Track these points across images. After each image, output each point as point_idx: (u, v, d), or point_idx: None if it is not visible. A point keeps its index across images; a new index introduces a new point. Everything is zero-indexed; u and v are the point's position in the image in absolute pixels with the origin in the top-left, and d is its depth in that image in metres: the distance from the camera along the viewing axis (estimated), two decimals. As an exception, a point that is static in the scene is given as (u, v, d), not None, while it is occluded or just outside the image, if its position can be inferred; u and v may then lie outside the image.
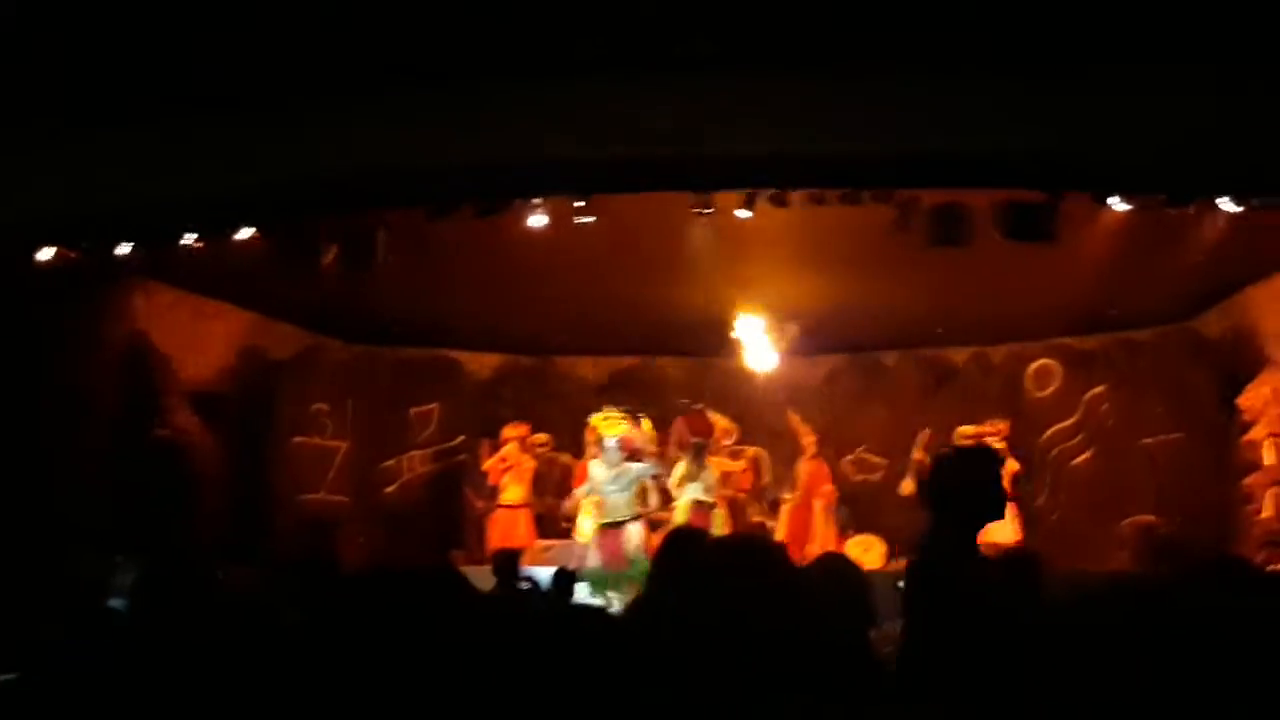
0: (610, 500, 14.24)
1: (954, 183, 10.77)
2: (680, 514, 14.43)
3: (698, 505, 14.67)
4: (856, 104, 9.61)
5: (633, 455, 14.69)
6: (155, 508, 12.81)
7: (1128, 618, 1.86)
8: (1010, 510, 15.52)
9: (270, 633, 3.39)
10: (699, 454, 15.06)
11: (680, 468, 14.95)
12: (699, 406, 16.42)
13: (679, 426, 16.01)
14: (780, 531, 15.47)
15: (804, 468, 15.97)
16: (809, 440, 16.03)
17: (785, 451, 16.83)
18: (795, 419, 16.21)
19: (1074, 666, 1.82)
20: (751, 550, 2.71)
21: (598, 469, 14.47)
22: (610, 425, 14.80)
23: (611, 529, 14.11)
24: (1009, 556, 3.75)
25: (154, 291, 13.65)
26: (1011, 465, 15.77)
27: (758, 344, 15.90)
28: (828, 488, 15.90)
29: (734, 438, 16.28)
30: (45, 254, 11.39)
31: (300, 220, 11.70)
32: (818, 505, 15.76)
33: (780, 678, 2.39)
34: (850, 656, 2.82)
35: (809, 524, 15.67)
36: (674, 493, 14.90)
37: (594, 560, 13.90)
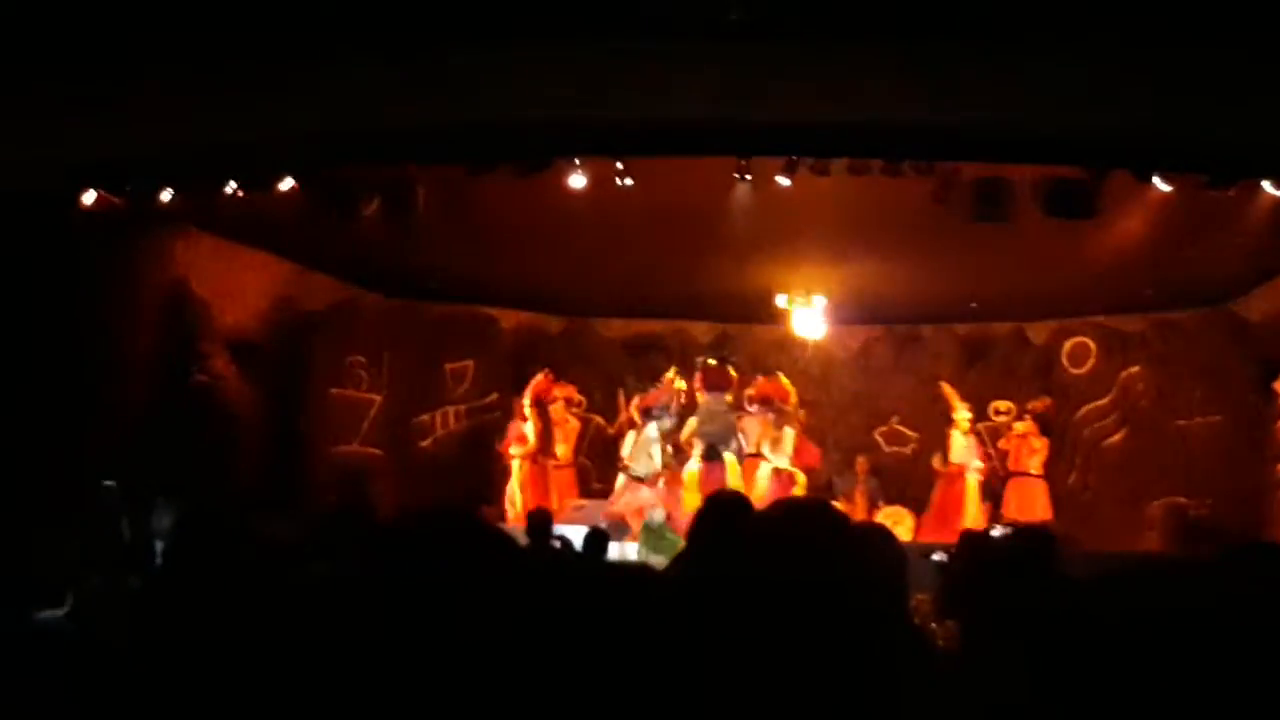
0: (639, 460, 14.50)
1: (996, 157, 10.73)
2: (762, 483, 14.59)
3: (777, 473, 14.90)
4: (899, 74, 9.56)
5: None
6: (193, 453, 12.90)
7: (1149, 601, 1.87)
8: (1041, 488, 15.53)
9: (300, 582, 3.42)
10: (780, 418, 15.23)
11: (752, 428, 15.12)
12: (719, 361, 16.38)
13: (697, 379, 16.00)
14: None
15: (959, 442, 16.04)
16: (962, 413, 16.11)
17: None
18: (948, 389, 16.24)
19: (1088, 648, 1.83)
20: (800, 513, 2.71)
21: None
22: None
23: (638, 483, 14.37)
24: (1023, 533, 3.73)
25: (194, 239, 13.71)
26: (1039, 442, 15.79)
27: (805, 314, 15.98)
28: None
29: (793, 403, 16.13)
30: (88, 198, 11.47)
31: (341, 172, 11.75)
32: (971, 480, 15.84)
33: (824, 644, 2.40)
34: (892, 626, 2.82)
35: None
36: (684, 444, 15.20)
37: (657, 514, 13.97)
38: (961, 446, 15.88)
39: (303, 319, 15.62)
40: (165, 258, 13.53)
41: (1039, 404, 16.09)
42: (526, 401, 15.97)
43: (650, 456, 14.92)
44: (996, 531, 9.90)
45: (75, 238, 11.69)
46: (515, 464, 15.74)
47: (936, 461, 16.24)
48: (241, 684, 2.66)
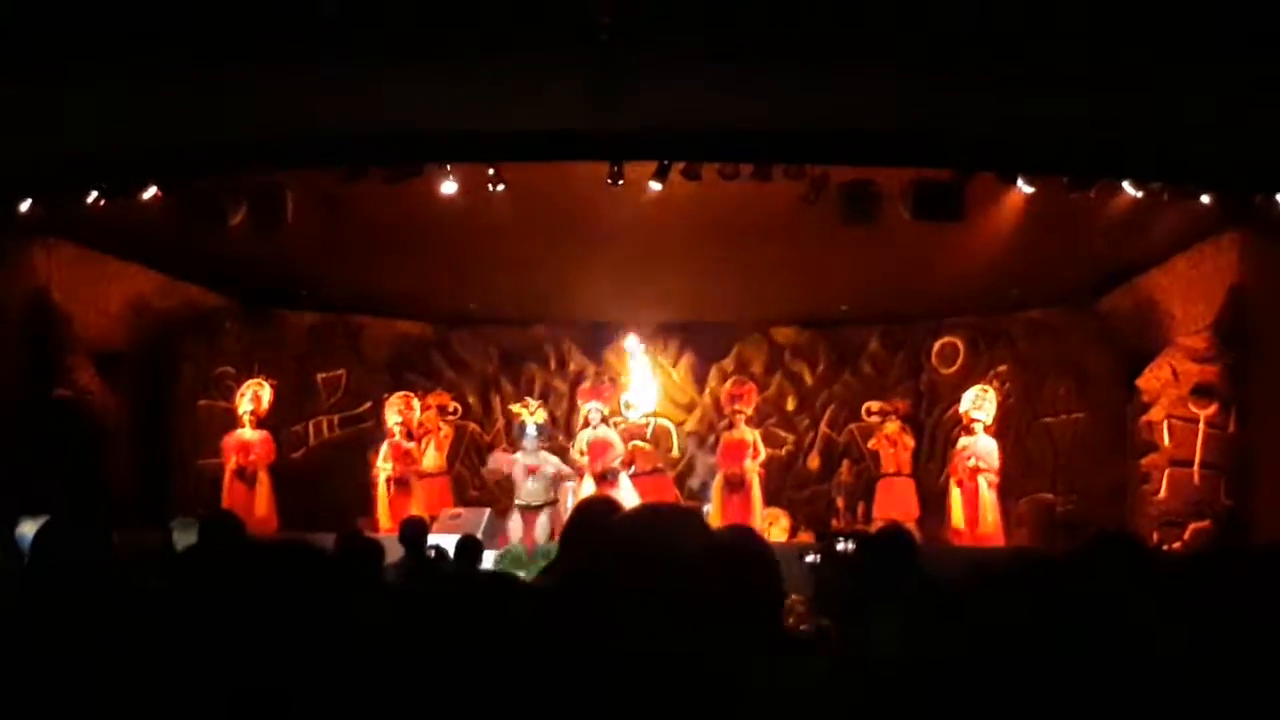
0: (527, 486, 14.38)
1: (863, 160, 10.87)
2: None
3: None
4: (769, 79, 9.64)
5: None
6: (58, 466, 12.63)
7: (1014, 592, 1.90)
8: (910, 487, 15.74)
9: (163, 596, 3.37)
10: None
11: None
12: (604, 377, 16.52)
13: (578, 395, 16.09)
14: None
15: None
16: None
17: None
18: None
19: (954, 640, 1.85)
20: (666, 519, 2.71)
21: (520, 458, 14.70)
22: (531, 414, 14.93)
23: (528, 512, 14.23)
24: (883, 530, 3.78)
25: (56, 248, 13.44)
26: (910, 441, 16.01)
27: (642, 362, 16.46)
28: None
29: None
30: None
31: (208, 180, 11.58)
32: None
33: (692, 647, 2.41)
34: (762, 627, 2.84)
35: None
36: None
37: (515, 536, 13.97)
38: None
39: (169, 329, 15.38)
40: (26, 268, 13.24)
41: (906, 404, 16.33)
42: (396, 422, 15.81)
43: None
44: (840, 545, 9.98)
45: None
46: (384, 476, 15.59)
47: (810, 461, 16.53)
48: (104, 696, 2.61)
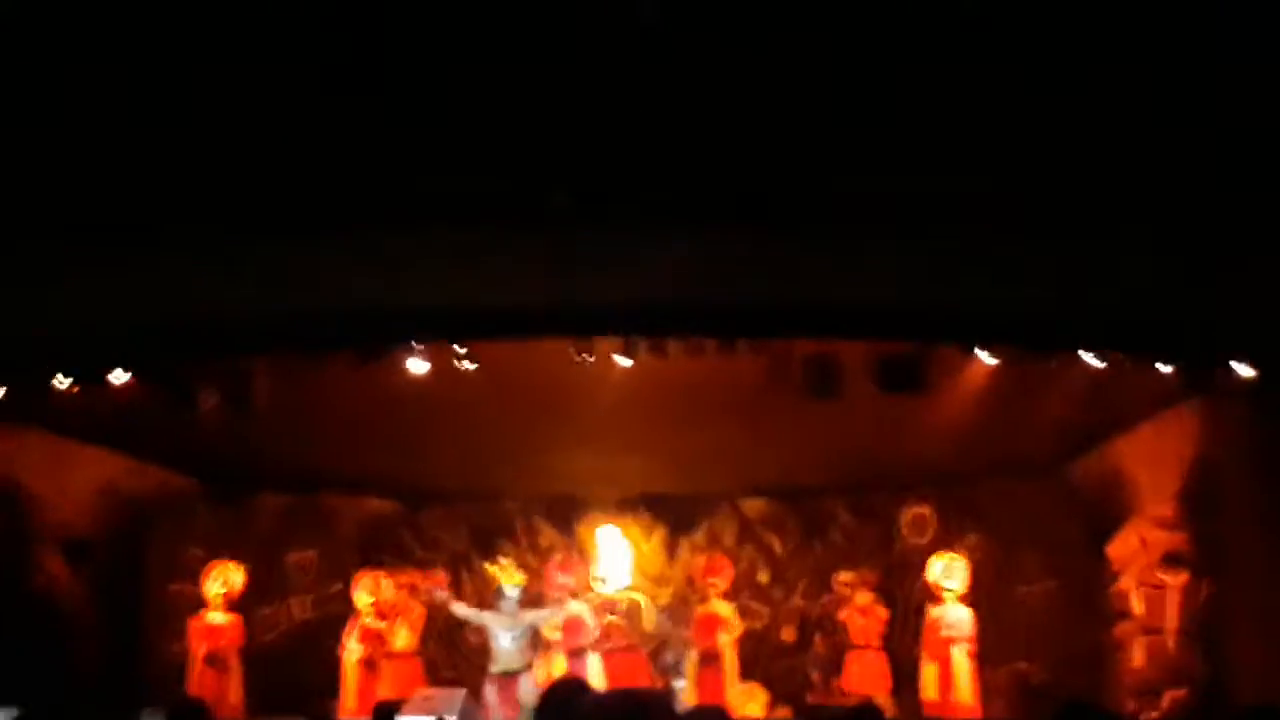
0: (504, 650, 14.31)
1: (825, 333, 11.02)
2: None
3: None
4: (730, 256, 9.80)
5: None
6: (27, 658, 12.48)
7: None
8: (881, 660, 15.63)
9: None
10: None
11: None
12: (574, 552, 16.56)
13: (549, 570, 16.06)
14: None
15: None
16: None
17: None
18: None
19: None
20: (634, 704, 2.73)
21: (493, 619, 14.61)
22: (508, 574, 14.92)
23: (506, 679, 14.12)
24: (852, 708, 3.76)
25: (22, 435, 13.42)
26: (882, 613, 15.92)
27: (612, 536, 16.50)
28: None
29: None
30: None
31: (177, 364, 11.64)
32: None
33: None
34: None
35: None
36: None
37: (494, 711, 13.87)
38: None
39: (138, 514, 15.32)
40: (-8, 455, 13.24)
41: (877, 574, 16.26)
42: (367, 602, 15.69)
43: None
44: None
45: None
46: (353, 657, 15.40)
47: (785, 634, 16.46)
48: None
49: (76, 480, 14.40)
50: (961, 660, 14.68)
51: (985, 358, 11.49)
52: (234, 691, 15.01)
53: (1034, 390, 12.33)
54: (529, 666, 14.36)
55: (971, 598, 15.12)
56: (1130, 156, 9.35)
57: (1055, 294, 10.00)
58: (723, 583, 15.98)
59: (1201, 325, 10.19)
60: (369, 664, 15.43)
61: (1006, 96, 9.13)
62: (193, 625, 15.19)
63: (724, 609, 15.76)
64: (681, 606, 16.92)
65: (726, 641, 15.52)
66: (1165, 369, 11.39)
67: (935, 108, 9.21)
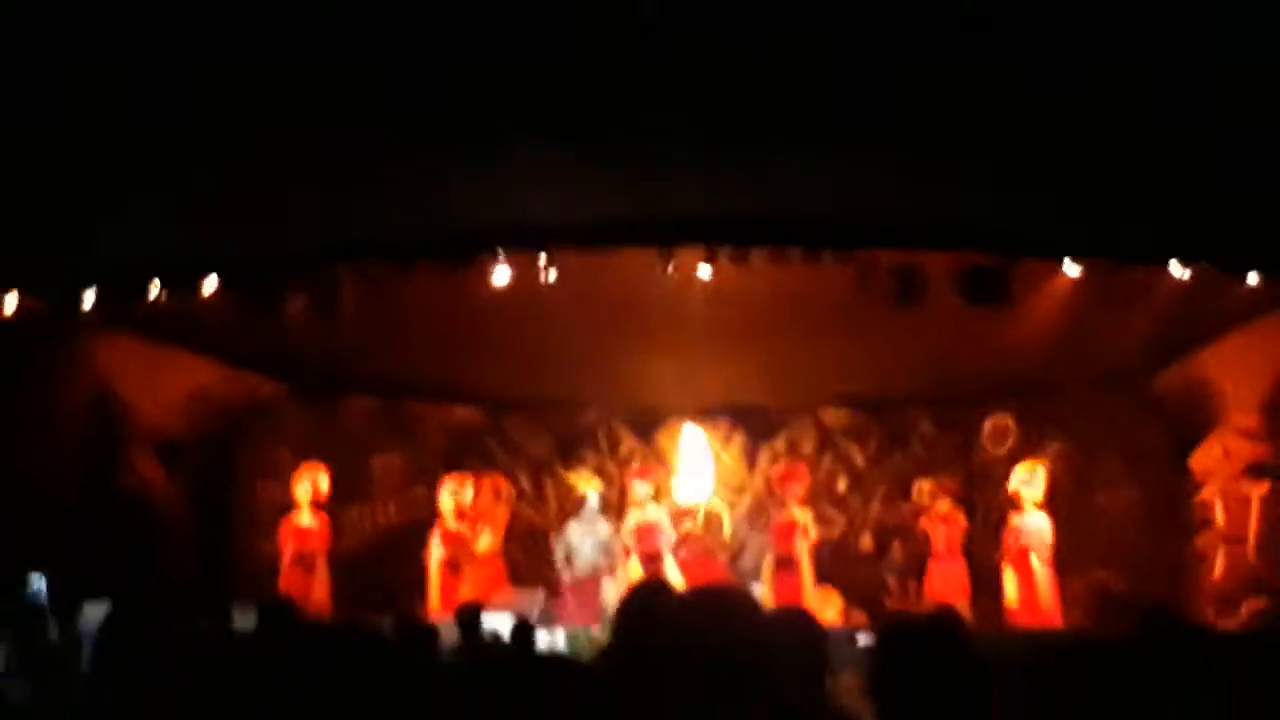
0: (584, 554, 14.55)
1: (911, 245, 10.97)
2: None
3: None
4: (819, 166, 9.78)
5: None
6: (120, 555, 12.81)
7: (1071, 677, 1.96)
8: (961, 568, 15.68)
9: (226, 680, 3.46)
10: None
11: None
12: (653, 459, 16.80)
13: (629, 477, 16.28)
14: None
15: None
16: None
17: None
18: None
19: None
20: (717, 601, 2.80)
21: (574, 525, 14.90)
22: (588, 481, 15.16)
23: (586, 582, 14.37)
24: (935, 617, 3.83)
25: (116, 341, 13.68)
26: (961, 521, 15.96)
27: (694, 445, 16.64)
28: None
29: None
30: (9, 303, 11.44)
31: (267, 273, 11.80)
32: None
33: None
34: (810, 707, 2.92)
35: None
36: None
37: (571, 618, 14.11)
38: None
39: (228, 418, 15.59)
40: (89, 361, 13.50)
41: (957, 483, 16.30)
42: (457, 507, 15.95)
43: None
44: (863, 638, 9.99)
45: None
46: (436, 559, 15.69)
47: (862, 543, 16.61)
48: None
49: (169, 385, 14.66)
50: (1041, 569, 14.71)
51: (1070, 269, 11.42)
52: (320, 591, 15.32)
53: (1119, 302, 12.23)
54: (609, 570, 14.57)
55: (1051, 507, 15.11)
56: (1199, 71, 9.22)
57: (1142, 206, 9.91)
58: (800, 489, 16.06)
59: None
60: (452, 566, 15.71)
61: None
62: (282, 526, 15.50)
63: (801, 515, 15.85)
64: (760, 514, 17.06)
65: (803, 548, 15.63)
66: (1252, 279, 11.28)
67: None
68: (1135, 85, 9.37)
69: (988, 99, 9.47)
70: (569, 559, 15.12)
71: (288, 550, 15.37)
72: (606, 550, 14.84)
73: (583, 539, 14.88)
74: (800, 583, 15.41)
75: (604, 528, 15.05)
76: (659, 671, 2.64)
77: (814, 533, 15.81)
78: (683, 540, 15.85)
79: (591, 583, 14.55)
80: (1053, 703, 1.87)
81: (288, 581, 15.07)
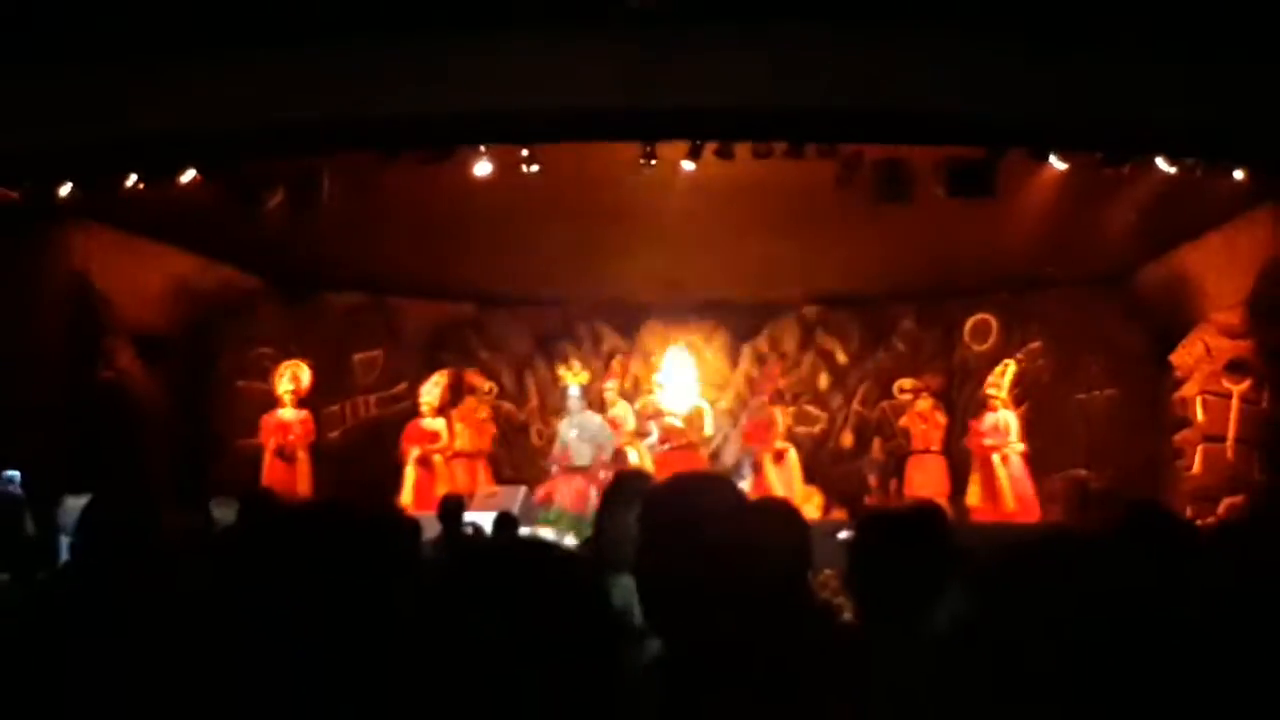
0: (574, 447, 14.63)
1: (896, 138, 10.89)
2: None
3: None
4: (802, 58, 9.67)
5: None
6: (99, 447, 12.77)
7: (1048, 570, 1.93)
8: (940, 465, 15.79)
9: (204, 573, 3.44)
10: None
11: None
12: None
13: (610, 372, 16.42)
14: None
15: None
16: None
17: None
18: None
19: (986, 620, 1.89)
20: (699, 488, 2.78)
21: (564, 421, 14.98)
22: (575, 375, 15.25)
23: (577, 472, 14.46)
24: (907, 509, 3.82)
25: (95, 232, 13.56)
26: (942, 419, 16.06)
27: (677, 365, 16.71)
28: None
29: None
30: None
31: (245, 163, 11.68)
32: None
33: (723, 613, 2.47)
34: (791, 596, 2.91)
35: None
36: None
37: (560, 500, 14.17)
38: None
39: (208, 311, 15.51)
40: (66, 252, 13.38)
41: (939, 380, 16.37)
42: (432, 403, 15.99)
43: None
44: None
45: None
46: (412, 455, 15.75)
47: (843, 439, 16.72)
48: (146, 678, 2.68)
49: (148, 277, 14.56)
50: (1002, 467, 14.87)
51: (1056, 163, 11.35)
52: (302, 484, 15.35)
53: (1102, 196, 12.20)
54: (595, 462, 14.63)
55: (1029, 404, 15.19)
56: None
57: (1128, 99, 9.83)
58: (776, 386, 16.18)
59: (1275, 129, 9.99)
60: (424, 462, 15.76)
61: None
62: (264, 420, 15.50)
63: (775, 412, 15.94)
64: (741, 410, 17.12)
65: (780, 444, 15.76)
66: (1237, 174, 11.23)
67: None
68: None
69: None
70: (564, 452, 15.19)
71: (269, 444, 15.38)
72: (598, 442, 14.88)
73: (569, 430, 14.95)
74: (785, 480, 15.59)
75: (594, 419, 15.10)
76: (642, 555, 2.62)
77: (780, 427, 15.95)
78: (665, 435, 15.90)
79: (576, 474, 14.61)
80: (1036, 594, 1.82)
81: (270, 475, 15.09)
